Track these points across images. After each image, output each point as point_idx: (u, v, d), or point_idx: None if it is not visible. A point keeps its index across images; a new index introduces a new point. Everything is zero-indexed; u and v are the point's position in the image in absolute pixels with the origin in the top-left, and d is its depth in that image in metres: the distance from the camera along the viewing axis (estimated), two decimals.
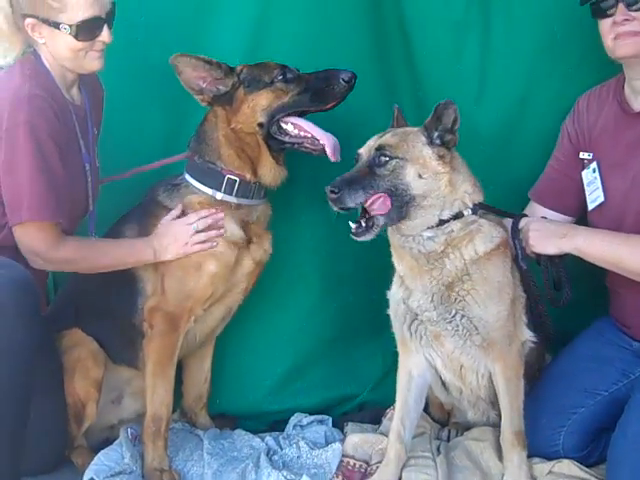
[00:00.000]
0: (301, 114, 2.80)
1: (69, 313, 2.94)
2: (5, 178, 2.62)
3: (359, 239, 2.49)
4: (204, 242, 2.76)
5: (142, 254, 2.77)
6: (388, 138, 2.53)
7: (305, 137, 2.77)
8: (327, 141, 2.75)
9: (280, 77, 2.76)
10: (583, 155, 2.84)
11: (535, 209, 2.92)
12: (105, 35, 2.71)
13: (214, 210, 2.78)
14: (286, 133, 2.77)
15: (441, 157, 2.50)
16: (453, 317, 2.53)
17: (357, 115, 3.11)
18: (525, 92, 3.19)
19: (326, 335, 3.28)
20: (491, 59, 3.17)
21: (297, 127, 2.77)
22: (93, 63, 2.74)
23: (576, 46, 3.11)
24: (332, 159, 2.75)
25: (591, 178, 2.81)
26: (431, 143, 2.51)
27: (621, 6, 2.59)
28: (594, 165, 2.80)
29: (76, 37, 2.66)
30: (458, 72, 3.18)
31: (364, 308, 3.26)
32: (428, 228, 2.50)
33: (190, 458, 2.86)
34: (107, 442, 2.94)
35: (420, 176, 2.47)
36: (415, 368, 2.69)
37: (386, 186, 2.46)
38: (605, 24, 2.66)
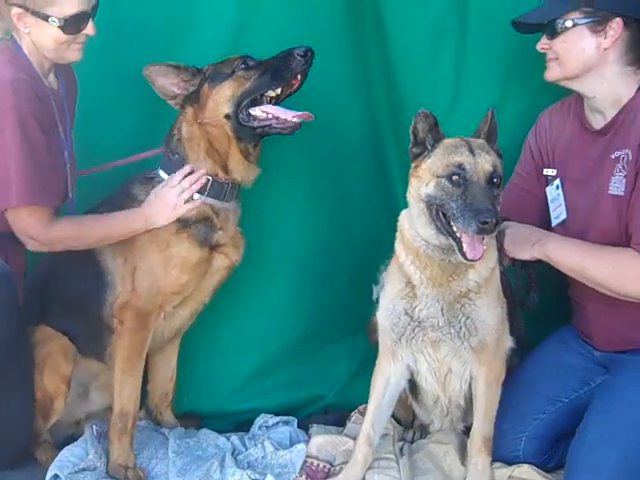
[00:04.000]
0: (276, 103, 2.84)
1: (35, 307, 2.92)
2: None
3: (476, 261, 2.44)
4: (190, 200, 2.80)
5: (134, 223, 2.78)
6: (491, 158, 2.46)
7: (272, 119, 2.81)
8: (289, 114, 2.79)
9: (242, 66, 2.82)
10: (547, 172, 2.89)
11: None
12: (90, 28, 2.74)
13: (192, 167, 2.82)
14: (255, 118, 2.82)
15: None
16: (458, 320, 2.55)
17: (333, 116, 3.13)
18: (499, 100, 3.19)
19: (294, 336, 3.28)
20: (467, 66, 3.20)
21: (264, 111, 2.82)
22: (74, 54, 2.77)
23: None
24: (307, 118, 2.79)
25: (555, 195, 2.85)
26: (498, 156, 2.51)
27: (545, 35, 2.72)
28: (557, 182, 2.84)
29: (63, 30, 2.69)
30: (434, 77, 3.20)
31: (333, 310, 3.29)
32: None
33: (155, 456, 2.87)
34: (72, 438, 2.93)
35: None
36: (393, 376, 2.70)
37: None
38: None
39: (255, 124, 2.81)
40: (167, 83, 2.83)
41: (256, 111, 2.81)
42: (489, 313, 2.57)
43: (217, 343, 3.26)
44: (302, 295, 3.30)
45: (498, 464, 2.70)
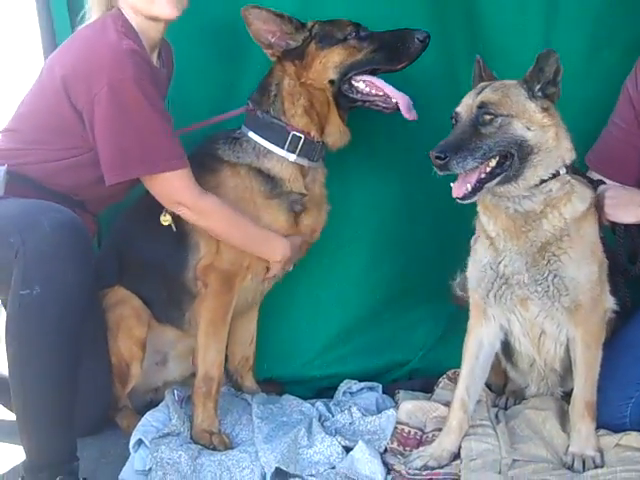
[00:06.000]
0: (372, 73, 2.73)
1: (111, 269, 2.86)
2: (119, 132, 2.51)
3: (463, 202, 2.37)
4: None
5: (274, 252, 2.71)
6: (489, 94, 2.39)
7: (377, 95, 2.72)
8: (401, 99, 2.70)
9: (353, 34, 2.71)
10: None
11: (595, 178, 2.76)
12: None
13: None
14: (357, 91, 2.73)
15: (545, 110, 2.38)
16: (545, 278, 2.43)
17: (414, 75, 2.96)
18: (592, 48, 3.03)
19: (376, 298, 3.18)
20: (558, 12, 3.01)
21: (369, 85, 2.72)
22: (163, 8, 2.59)
23: None
24: (409, 118, 2.70)
25: None
26: (533, 96, 2.38)
27: None
28: None
29: None
30: (522, 27, 3.02)
31: (416, 271, 3.17)
32: (528, 188, 2.38)
33: (239, 422, 2.79)
34: (151, 404, 2.87)
35: (528, 129, 2.35)
36: (486, 337, 2.59)
37: (495, 145, 2.33)
38: None
39: (358, 97, 2.73)
40: (264, 29, 2.71)
41: (359, 83, 2.71)
42: (579, 271, 2.42)
43: (297, 308, 3.18)
44: (383, 257, 3.20)
45: (603, 432, 2.54)
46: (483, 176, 2.33)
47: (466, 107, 2.40)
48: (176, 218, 2.69)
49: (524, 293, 2.47)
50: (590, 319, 2.49)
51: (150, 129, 2.51)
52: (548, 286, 2.44)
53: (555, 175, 2.40)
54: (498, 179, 2.35)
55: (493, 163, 2.34)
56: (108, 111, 2.47)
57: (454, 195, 2.34)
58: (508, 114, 2.34)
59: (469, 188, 2.33)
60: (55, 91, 2.54)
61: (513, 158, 2.34)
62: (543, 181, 2.39)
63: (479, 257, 2.54)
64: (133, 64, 2.48)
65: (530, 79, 2.39)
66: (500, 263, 2.46)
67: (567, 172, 2.43)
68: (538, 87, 2.38)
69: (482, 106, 2.36)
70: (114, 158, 2.53)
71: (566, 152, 2.43)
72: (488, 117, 2.34)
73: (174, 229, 2.69)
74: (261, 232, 2.70)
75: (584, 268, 2.44)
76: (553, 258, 2.42)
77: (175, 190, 2.59)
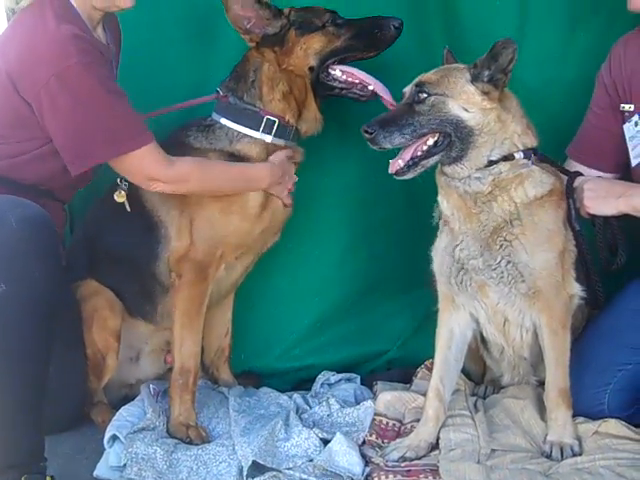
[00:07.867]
0: (342, 61, 2.74)
1: (82, 262, 2.82)
2: (76, 120, 2.44)
3: (398, 178, 2.43)
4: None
5: (259, 182, 2.69)
6: (429, 75, 2.46)
7: (354, 83, 2.73)
8: (377, 85, 2.72)
9: (330, 21, 2.72)
10: (624, 107, 2.69)
11: (574, 168, 2.74)
12: None
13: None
14: (335, 79, 2.74)
15: (486, 93, 2.40)
16: (498, 264, 2.43)
17: (389, 57, 2.93)
18: (568, 31, 3.02)
19: (354, 288, 3.15)
20: None
21: (345, 73, 2.73)
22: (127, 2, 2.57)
23: None
24: (388, 103, 2.70)
25: (633, 132, 2.66)
26: (476, 80, 2.40)
27: None
28: (636, 118, 2.65)
29: None
30: (497, 11, 3.01)
31: (394, 260, 3.15)
32: (477, 170, 2.40)
33: (215, 415, 2.75)
34: (126, 399, 2.82)
35: (466, 110, 2.38)
36: (457, 326, 2.59)
37: (427, 123, 2.37)
38: None
39: (335, 84, 2.74)
40: (241, 14, 2.69)
41: (336, 71, 2.73)
42: (533, 257, 2.42)
43: (274, 299, 3.14)
44: (360, 245, 3.17)
45: (581, 419, 2.53)
46: (419, 153, 2.38)
47: (410, 87, 2.45)
48: (133, 198, 2.65)
49: (481, 279, 2.48)
50: (554, 305, 2.48)
51: (108, 111, 2.46)
52: (502, 272, 2.44)
53: (508, 158, 2.41)
54: (436, 157, 2.40)
55: (431, 142, 2.39)
56: (61, 101, 2.41)
57: (389, 171, 2.40)
58: (443, 93, 2.38)
59: (401, 164, 2.39)
60: (3, 85, 2.47)
61: (451, 137, 2.37)
62: (493, 163, 2.40)
63: (437, 243, 2.57)
64: (76, 50, 2.41)
65: (481, 65, 2.40)
66: (456, 247, 2.48)
67: (527, 158, 2.43)
68: (487, 73, 2.40)
69: (419, 85, 2.41)
70: (76, 147, 2.47)
71: (516, 136, 2.43)
72: (423, 95, 2.39)
73: (128, 209, 2.65)
74: (240, 170, 2.69)
75: (538, 255, 2.43)
76: (505, 243, 2.43)
77: (146, 166, 2.54)
